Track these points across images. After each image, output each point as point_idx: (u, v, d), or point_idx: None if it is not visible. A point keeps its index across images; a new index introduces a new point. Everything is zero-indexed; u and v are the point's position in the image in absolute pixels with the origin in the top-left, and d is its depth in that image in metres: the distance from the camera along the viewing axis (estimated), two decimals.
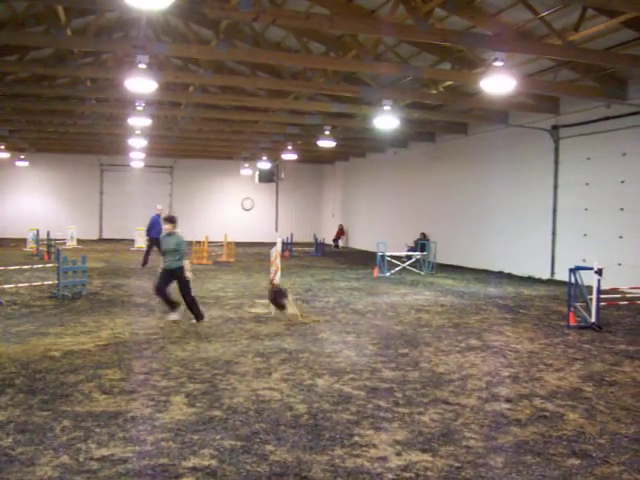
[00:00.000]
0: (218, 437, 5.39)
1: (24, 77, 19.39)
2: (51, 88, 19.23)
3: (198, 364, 7.90)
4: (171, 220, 11.02)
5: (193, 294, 10.91)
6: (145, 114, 19.56)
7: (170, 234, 10.84)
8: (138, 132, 24.91)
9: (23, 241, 28.06)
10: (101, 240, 33.91)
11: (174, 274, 10.71)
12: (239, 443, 5.27)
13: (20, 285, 14.34)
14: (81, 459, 4.87)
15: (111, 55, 17.91)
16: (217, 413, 6.01)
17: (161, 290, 10.81)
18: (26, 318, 10.85)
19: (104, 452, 5.01)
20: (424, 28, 11.61)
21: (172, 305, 11.00)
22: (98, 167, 36.16)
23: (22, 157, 32.73)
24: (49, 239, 24.48)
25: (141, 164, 34.07)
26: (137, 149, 29.42)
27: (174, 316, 10.90)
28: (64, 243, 28.17)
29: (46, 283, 14.47)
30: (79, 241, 29.80)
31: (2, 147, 29.54)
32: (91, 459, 4.88)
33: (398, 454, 5.13)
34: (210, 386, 6.92)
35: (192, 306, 10.88)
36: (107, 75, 17.27)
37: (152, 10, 9.23)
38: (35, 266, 17.32)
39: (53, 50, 16.01)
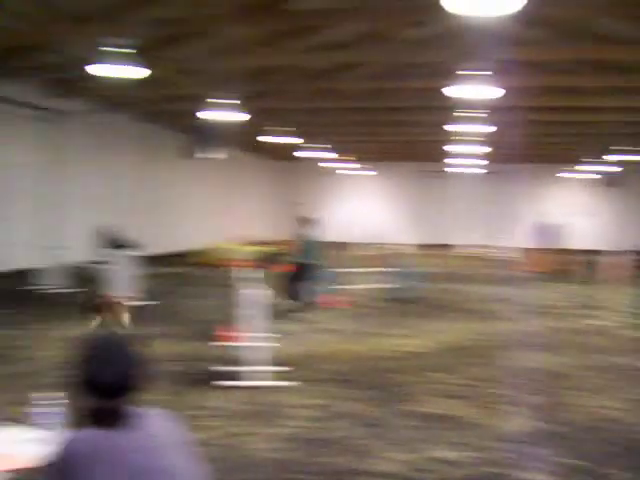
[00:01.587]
0: (557, 454, 5.15)
1: (361, 91, 20.78)
2: (382, 100, 20.31)
3: (534, 375, 7.64)
4: (302, 221, 12.51)
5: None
6: (479, 121, 19.60)
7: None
8: (468, 138, 25.06)
9: (362, 245, 29.99)
10: (433, 246, 34.83)
11: None
12: (580, 463, 4.97)
13: (361, 287, 15.34)
14: (419, 458, 5.03)
15: (442, 64, 18.28)
16: (555, 428, 5.76)
17: None
18: (368, 318, 11.60)
19: (440, 454, 5.11)
20: None
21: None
22: (429, 174, 37.22)
23: (362, 166, 35.17)
24: (386, 244, 25.88)
25: (472, 170, 34.25)
26: (469, 156, 29.64)
27: None
28: (399, 248, 29.48)
29: (384, 286, 15.24)
30: (413, 246, 30.94)
31: (345, 157, 32.05)
32: (428, 459, 5.01)
33: None
34: (548, 399, 6.66)
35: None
36: (433, 84, 17.72)
37: (490, 17, 9.17)
38: (374, 269, 18.38)
39: (385, 64, 16.87)
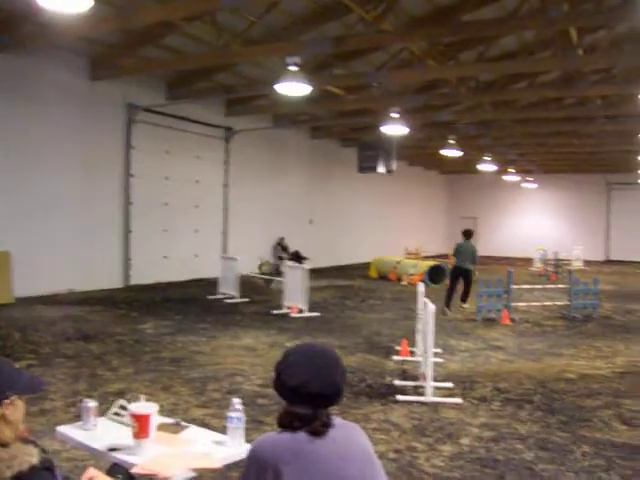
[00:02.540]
0: None
1: (532, 102, 20.10)
2: (558, 110, 19.50)
3: None
4: (464, 233, 13.86)
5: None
6: None
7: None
8: None
9: (529, 261, 28.95)
10: (607, 262, 32.88)
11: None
12: None
13: (530, 304, 14.77)
14: None
15: (622, 69, 17.31)
16: None
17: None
18: (538, 337, 11.13)
19: None
20: None
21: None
22: (604, 186, 35.18)
23: (529, 179, 33.93)
24: (556, 259, 24.80)
25: None
26: None
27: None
28: (569, 264, 28.12)
29: (555, 303, 14.60)
30: (584, 262, 29.40)
31: (512, 170, 31.14)
32: None
33: None
34: None
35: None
36: (618, 91, 16.78)
37: None
38: (543, 286, 17.68)
39: (561, 72, 16.23)
